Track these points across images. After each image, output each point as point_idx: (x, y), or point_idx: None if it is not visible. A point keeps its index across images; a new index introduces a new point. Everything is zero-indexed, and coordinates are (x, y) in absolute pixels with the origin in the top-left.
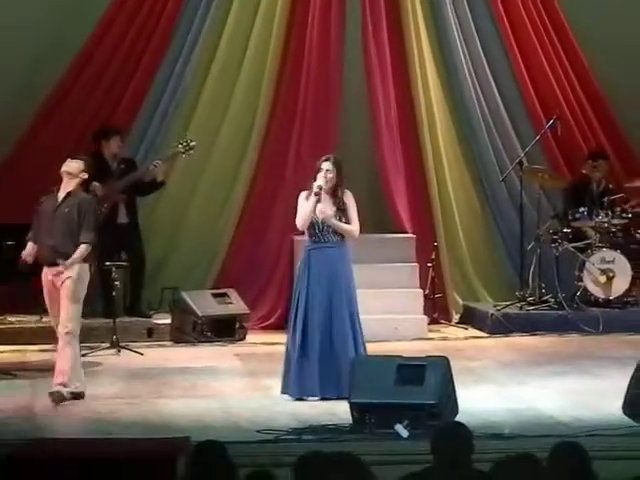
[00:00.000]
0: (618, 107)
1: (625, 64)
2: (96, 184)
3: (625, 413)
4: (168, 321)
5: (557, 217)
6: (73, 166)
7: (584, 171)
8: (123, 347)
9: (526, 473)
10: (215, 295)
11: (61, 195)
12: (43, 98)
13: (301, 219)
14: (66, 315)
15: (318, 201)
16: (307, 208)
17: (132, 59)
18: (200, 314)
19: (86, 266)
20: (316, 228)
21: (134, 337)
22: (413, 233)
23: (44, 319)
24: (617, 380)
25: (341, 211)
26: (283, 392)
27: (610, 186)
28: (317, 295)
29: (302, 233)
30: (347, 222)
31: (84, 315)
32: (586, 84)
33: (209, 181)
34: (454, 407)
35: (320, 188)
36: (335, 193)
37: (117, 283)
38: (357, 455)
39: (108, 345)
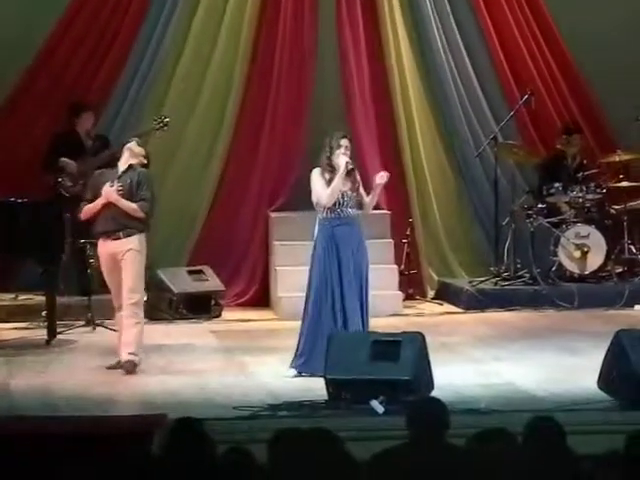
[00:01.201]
0: (592, 82)
1: (598, 39)
2: (66, 160)
3: (600, 388)
4: (144, 298)
5: (532, 193)
6: (137, 148)
7: (559, 146)
8: (98, 324)
9: (500, 448)
10: (190, 272)
11: (122, 168)
12: (18, 75)
13: (330, 195)
14: (129, 286)
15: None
16: (337, 184)
17: (107, 35)
18: (175, 291)
19: (144, 237)
20: (336, 204)
21: (109, 314)
22: (388, 209)
23: (19, 297)
24: (592, 355)
25: (356, 188)
26: (309, 371)
27: (584, 161)
28: (349, 271)
29: (276, 208)
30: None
31: (60, 293)
32: (560, 59)
33: (183, 159)
34: (429, 383)
35: (349, 165)
36: (350, 170)
37: (92, 260)
38: (332, 431)
39: (83, 322)
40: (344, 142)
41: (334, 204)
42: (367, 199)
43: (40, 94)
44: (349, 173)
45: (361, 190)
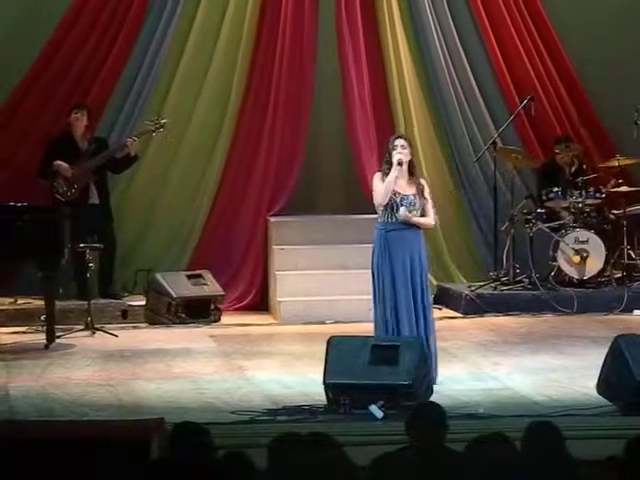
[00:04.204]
0: (591, 86)
1: (596, 45)
2: (60, 163)
3: (599, 392)
4: (143, 303)
5: (531, 197)
6: None
7: (557, 151)
8: (97, 329)
9: (499, 453)
10: (190, 277)
11: None
12: (17, 79)
13: (383, 192)
14: None
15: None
16: (390, 179)
17: (109, 35)
18: (175, 295)
19: None
20: (393, 207)
21: (108, 319)
22: None
23: (19, 301)
24: (591, 360)
25: (420, 192)
26: None
27: (584, 166)
28: (401, 280)
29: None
30: (423, 208)
31: (60, 297)
32: (559, 64)
33: (183, 163)
34: (428, 387)
35: (401, 161)
36: (412, 172)
37: (91, 265)
38: (331, 436)
39: (82, 327)
40: (398, 142)
41: (391, 207)
42: (423, 220)
43: (41, 95)
44: (411, 175)
45: (428, 206)
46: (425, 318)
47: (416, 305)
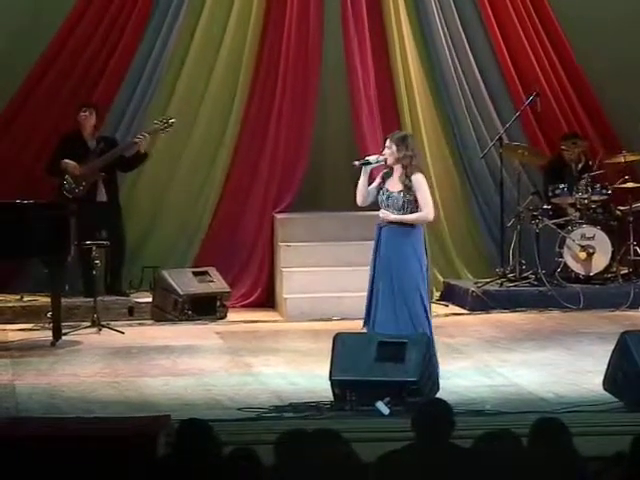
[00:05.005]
0: (596, 85)
1: (602, 41)
2: (67, 161)
3: (606, 389)
4: (149, 300)
5: (537, 194)
6: None
7: (563, 147)
8: (104, 326)
9: (506, 449)
10: (196, 274)
11: None
12: (22, 78)
13: (357, 196)
14: None
15: (383, 178)
16: (359, 183)
17: (114, 34)
18: (181, 292)
19: None
20: (383, 205)
21: (115, 316)
22: None
23: (25, 298)
24: (597, 356)
25: (407, 189)
26: None
27: (590, 162)
28: (383, 275)
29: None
30: (415, 203)
31: (64, 294)
32: (565, 60)
33: (189, 160)
34: (435, 384)
35: (364, 163)
36: (404, 170)
37: (97, 262)
38: (338, 432)
39: (89, 324)
40: (386, 143)
41: (380, 205)
42: (411, 217)
43: (46, 95)
44: (402, 173)
45: (420, 199)
46: (411, 316)
47: (396, 302)
